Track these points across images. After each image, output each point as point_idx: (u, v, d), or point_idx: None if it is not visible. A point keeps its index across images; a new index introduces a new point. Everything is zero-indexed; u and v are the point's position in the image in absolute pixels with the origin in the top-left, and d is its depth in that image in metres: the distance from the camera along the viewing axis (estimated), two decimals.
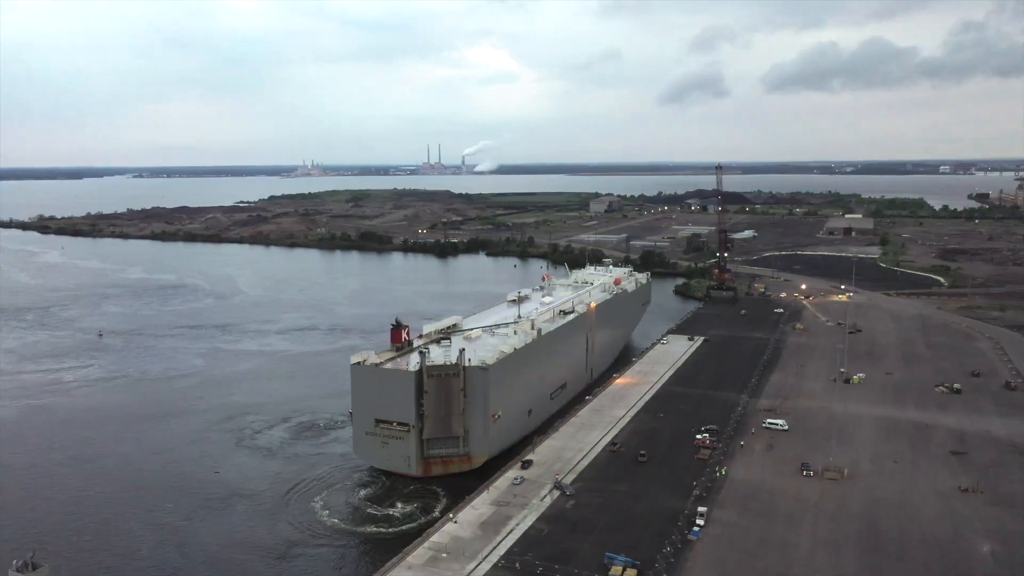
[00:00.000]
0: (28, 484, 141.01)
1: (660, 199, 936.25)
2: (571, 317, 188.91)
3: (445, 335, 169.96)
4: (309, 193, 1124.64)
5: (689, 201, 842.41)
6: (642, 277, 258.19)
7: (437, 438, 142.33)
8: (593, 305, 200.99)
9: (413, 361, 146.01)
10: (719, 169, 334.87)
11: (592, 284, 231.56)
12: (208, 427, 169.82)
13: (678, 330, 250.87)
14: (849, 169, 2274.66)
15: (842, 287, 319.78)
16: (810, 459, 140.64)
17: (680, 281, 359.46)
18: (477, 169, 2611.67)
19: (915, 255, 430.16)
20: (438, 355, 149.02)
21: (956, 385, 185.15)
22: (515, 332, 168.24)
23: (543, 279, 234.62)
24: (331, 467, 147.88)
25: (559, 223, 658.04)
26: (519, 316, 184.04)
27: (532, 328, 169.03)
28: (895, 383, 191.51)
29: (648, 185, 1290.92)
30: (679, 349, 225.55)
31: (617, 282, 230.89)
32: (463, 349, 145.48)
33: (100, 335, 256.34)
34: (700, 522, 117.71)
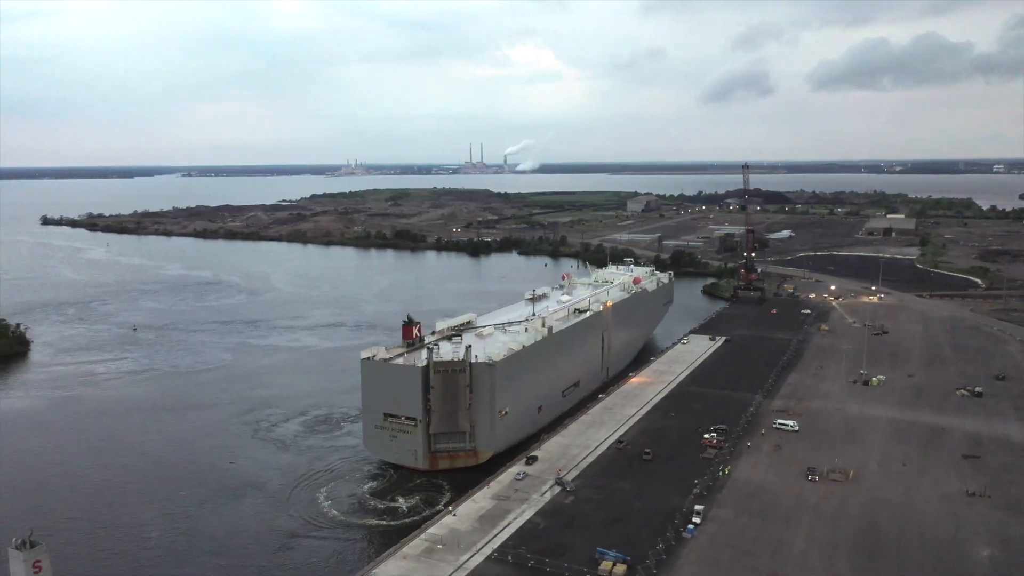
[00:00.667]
0: (49, 471, 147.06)
1: (699, 199, 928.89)
2: (585, 316, 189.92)
3: (457, 332, 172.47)
4: (350, 192, 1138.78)
5: (728, 201, 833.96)
6: (664, 277, 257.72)
7: (444, 433, 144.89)
8: (609, 304, 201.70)
9: (422, 357, 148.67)
10: (746, 168, 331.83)
11: (612, 283, 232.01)
12: (228, 419, 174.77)
13: (700, 330, 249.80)
14: (898, 168, 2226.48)
15: (872, 288, 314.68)
16: (818, 460, 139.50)
17: (710, 281, 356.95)
18: (519, 168, 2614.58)
19: (955, 256, 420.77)
20: (447, 351, 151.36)
21: (978, 388, 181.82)
22: (526, 330, 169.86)
23: (563, 278, 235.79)
24: (341, 460, 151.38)
25: (594, 222, 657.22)
26: (533, 314, 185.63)
27: (543, 326, 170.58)
28: (915, 385, 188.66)
29: (690, 184, 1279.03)
30: (699, 349, 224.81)
31: (636, 281, 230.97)
32: (469, 346, 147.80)
33: (135, 329, 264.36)
34: (696, 520, 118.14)
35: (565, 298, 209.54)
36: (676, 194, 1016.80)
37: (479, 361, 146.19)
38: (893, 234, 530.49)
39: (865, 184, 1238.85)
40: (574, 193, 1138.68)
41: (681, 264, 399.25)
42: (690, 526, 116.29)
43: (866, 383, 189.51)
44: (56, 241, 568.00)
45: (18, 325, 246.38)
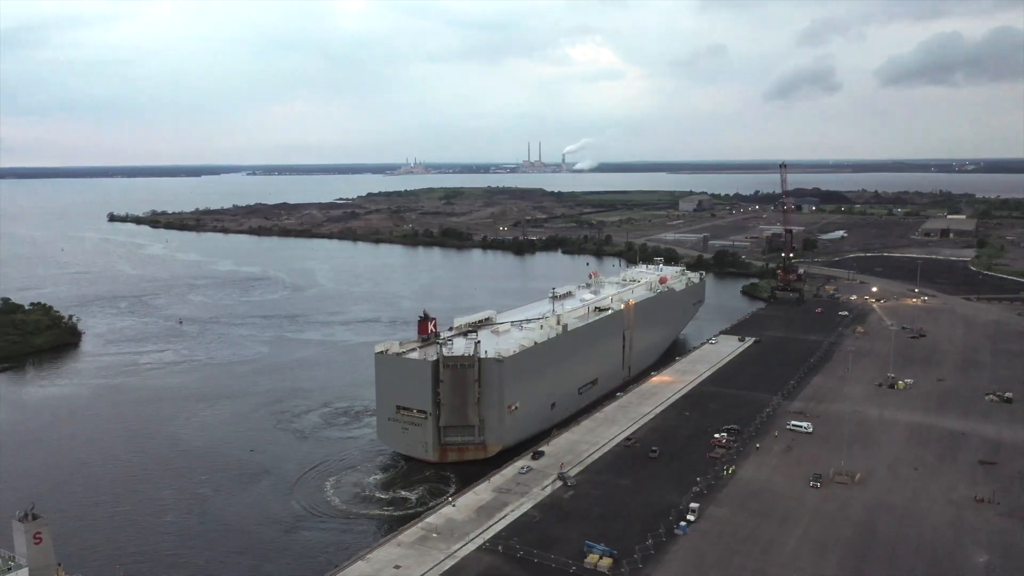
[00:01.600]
0: (79, 455, 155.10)
1: (756, 198, 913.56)
2: (604, 314, 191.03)
3: (474, 328, 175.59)
4: (405, 191, 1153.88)
5: (783, 201, 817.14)
6: (695, 277, 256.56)
7: (453, 426, 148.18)
8: (632, 303, 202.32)
9: (432, 352, 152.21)
10: (783, 168, 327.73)
11: (639, 282, 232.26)
12: (255, 409, 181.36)
13: (731, 330, 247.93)
14: (970, 167, 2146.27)
15: (914, 290, 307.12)
16: (828, 463, 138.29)
17: (750, 282, 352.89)
18: (577, 167, 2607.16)
19: (1013, 259, 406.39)
20: (461, 347, 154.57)
21: (1008, 394, 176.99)
22: (541, 327, 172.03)
23: (590, 276, 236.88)
24: (356, 451, 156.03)
25: (644, 222, 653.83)
26: (553, 312, 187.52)
27: (558, 323, 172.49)
28: (944, 390, 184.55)
29: (749, 184, 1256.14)
30: (726, 349, 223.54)
31: (663, 281, 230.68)
32: (478, 341, 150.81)
33: (180, 322, 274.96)
34: (690, 517, 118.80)
35: (588, 296, 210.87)
36: (732, 193, 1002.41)
37: (488, 356, 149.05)
38: (951, 235, 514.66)
39: (933, 184, 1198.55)
40: (627, 192, 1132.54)
41: (723, 264, 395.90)
42: (682, 523, 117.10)
43: (892, 386, 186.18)
44: (119, 237, 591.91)
45: (70, 316, 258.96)
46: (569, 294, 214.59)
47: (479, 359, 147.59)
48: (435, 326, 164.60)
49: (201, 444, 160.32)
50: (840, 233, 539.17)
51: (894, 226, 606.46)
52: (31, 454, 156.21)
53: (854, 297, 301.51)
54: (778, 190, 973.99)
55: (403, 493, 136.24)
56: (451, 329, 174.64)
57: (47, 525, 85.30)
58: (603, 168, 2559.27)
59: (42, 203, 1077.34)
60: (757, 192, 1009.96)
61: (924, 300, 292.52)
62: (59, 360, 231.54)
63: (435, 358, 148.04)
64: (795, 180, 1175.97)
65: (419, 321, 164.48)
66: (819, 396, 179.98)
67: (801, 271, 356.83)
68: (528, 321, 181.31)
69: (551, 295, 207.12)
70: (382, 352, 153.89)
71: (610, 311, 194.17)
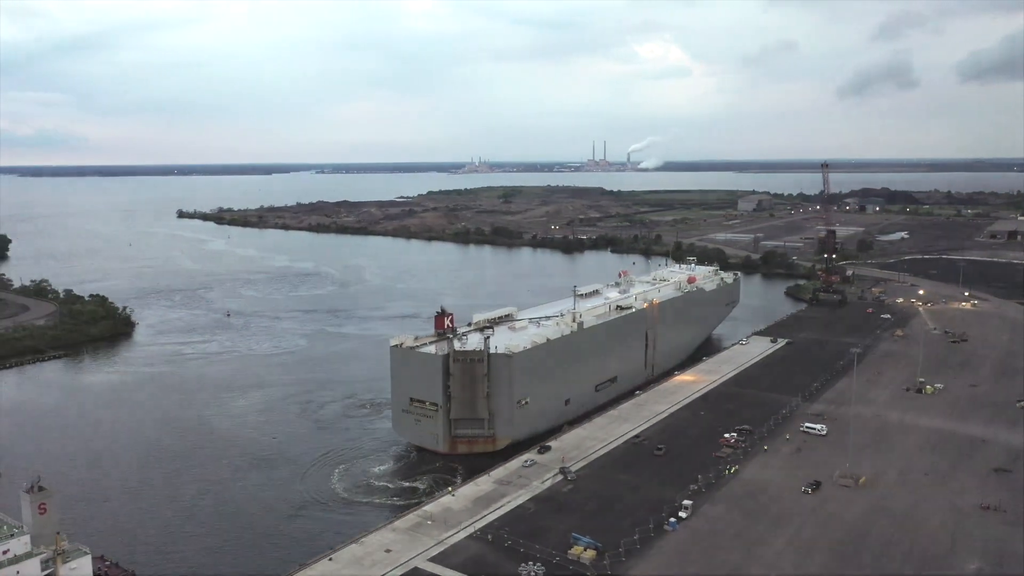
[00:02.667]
0: (112, 438, 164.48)
1: (820, 198, 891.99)
2: (625, 313, 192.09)
3: (492, 324, 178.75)
4: (465, 189, 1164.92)
5: (846, 200, 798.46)
6: (728, 277, 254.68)
7: (463, 419, 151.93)
8: (656, 302, 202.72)
9: (445, 346, 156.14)
10: (825, 167, 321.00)
11: (667, 282, 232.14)
12: (283, 399, 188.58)
13: (765, 332, 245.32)
14: None
15: (964, 293, 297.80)
16: (835, 466, 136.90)
17: (793, 283, 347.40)
18: (641, 166, 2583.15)
19: None
20: (475, 342, 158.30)
21: None
22: (557, 324, 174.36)
23: (620, 275, 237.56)
24: (371, 441, 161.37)
25: (699, 221, 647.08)
26: (574, 309, 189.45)
27: (573, 321, 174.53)
28: (974, 396, 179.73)
29: (817, 183, 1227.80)
30: (756, 350, 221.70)
31: (691, 280, 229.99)
32: (488, 337, 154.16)
33: (228, 315, 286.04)
34: (682, 514, 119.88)
35: (614, 295, 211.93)
36: (796, 193, 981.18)
37: (497, 352, 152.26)
38: (1019, 237, 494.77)
39: (1013, 184, 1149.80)
40: (686, 191, 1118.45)
41: (771, 265, 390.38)
42: (672, 520, 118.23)
43: (919, 391, 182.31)
44: (185, 233, 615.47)
45: (124, 308, 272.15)
46: (596, 292, 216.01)
47: (488, 354, 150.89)
48: (452, 321, 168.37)
49: (228, 430, 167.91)
50: (900, 234, 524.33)
51: (960, 228, 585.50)
52: (71, 435, 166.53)
53: (900, 300, 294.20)
54: (844, 189, 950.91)
55: (409, 483, 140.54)
56: (470, 325, 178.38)
57: (51, 497, 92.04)
58: (669, 167, 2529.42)
59: (119, 200, 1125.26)
60: (822, 192, 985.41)
61: (974, 304, 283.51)
62: (112, 349, 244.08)
63: (446, 352, 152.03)
64: (864, 180, 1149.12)
65: (436, 316, 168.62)
66: (842, 399, 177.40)
67: (850, 273, 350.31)
68: (547, 318, 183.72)
69: (585, 292, 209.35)
70: (397, 345, 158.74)
71: (632, 310, 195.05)
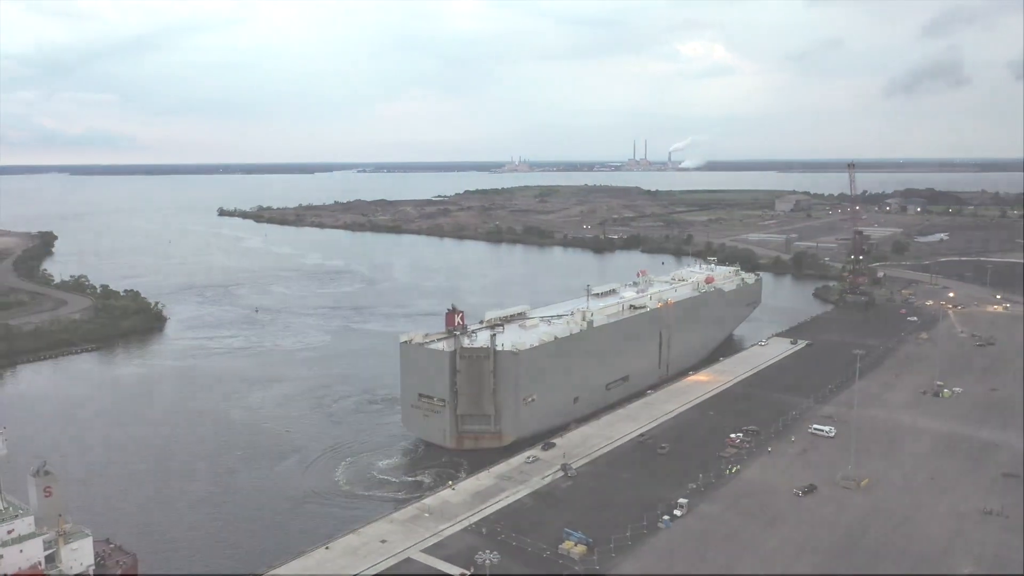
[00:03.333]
0: (130, 427, 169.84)
1: (863, 198, 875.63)
2: (638, 312, 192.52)
3: (503, 322, 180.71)
4: (502, 188, 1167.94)
5: (888, 201, 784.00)
6: (749, 278, 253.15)
7: (470, 415, 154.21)
8: (671, 302, 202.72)
9: (452, 343, 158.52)
10: (851, 167, 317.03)
11: (686, 282, 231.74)
12: (300, 393, 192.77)
13: (786, 333, 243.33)
14: None
15: (997, 296, 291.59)
16: (839, 469, 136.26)
17: (823, 284, 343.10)
18: (682, 166, 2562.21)
19: None
20: (484, 339, 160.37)
21: None
22: (567, 323, 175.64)
23: (638, 275, 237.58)
24: (381, 435, 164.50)
25: (734, 222, 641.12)
26: (587, 308, 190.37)
27: (583, 320, 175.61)
28: (992, 400, 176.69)
29: (863, 183, 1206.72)
30: (774, 351, 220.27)
31: (709, 280, 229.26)
32: (494, 334, 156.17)
33: (256, 311, 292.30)
34: (677, 512, 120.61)
35: (629, 295, 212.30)
36: (838, 193, 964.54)
37: (504, 349, 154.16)
38: None
39: None
40: (724, 191, 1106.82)
41: (802, 266, 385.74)
42: (666, 517, 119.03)
43: (937, 395, 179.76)
44: (224, 231, 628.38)
45: (156, 303, 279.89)
46: (612, 291, 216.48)
47: (495, 351, 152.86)
48: (462, 319, 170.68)
49: (244, 422, 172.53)
50: (940, 236, 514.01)
51: (1004, 229, 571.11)
52: (91, 424, 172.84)
53: (930, 302, 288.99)
54: (888, 189, 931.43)
55: (414, 477, 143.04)
56: (482, 322, 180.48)
57: (56, 481, 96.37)
58: (710, 166, 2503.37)
59: (164, 198, 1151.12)
60: (865, 192, 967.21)
61: (1006, 307, 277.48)
62: (142, 342, 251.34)
63: (453, 349, 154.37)
64: (908, 180, 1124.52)
65: (447, 313, 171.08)
66: (855, 401, 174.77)
67: (881, 275, 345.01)
68: (558, 317, 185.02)
69: (600, 291, 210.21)
70: (406, 342, 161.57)
71: (645, 309, 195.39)
